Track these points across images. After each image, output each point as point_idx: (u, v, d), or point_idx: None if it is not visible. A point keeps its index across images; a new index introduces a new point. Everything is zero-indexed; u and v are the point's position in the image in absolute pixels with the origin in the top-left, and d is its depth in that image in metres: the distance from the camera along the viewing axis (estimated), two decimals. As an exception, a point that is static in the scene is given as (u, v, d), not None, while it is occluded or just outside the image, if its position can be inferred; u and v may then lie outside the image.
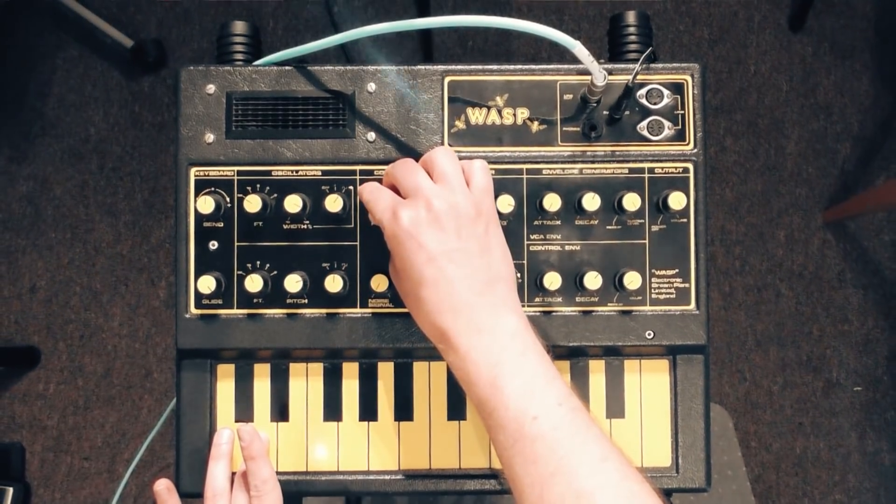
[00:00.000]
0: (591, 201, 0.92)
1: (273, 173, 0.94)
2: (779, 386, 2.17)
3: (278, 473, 0.94)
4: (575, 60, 0.86)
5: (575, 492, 0.71)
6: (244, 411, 0.97)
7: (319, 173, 0.94)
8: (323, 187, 0.94)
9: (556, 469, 0.73)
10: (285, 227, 0.94)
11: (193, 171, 0.94)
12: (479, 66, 0.95)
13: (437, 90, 0.95)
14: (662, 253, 0.95)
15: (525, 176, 0.94)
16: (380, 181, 0.93)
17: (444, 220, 0.81)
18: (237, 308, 0.94)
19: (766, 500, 2.13)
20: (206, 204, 0.91)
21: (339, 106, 0.95)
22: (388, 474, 0.97)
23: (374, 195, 0.87)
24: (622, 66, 0.95)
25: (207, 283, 0.91)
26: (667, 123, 0.95)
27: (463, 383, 0.82)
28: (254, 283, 0.91)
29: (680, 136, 0.95)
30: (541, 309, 0.94)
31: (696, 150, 0.95)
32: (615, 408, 0.98)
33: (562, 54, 0.86)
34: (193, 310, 0.94)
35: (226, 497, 0.91)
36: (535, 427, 0.75)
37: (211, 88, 0.95)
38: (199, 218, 0.94)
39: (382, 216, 0.84)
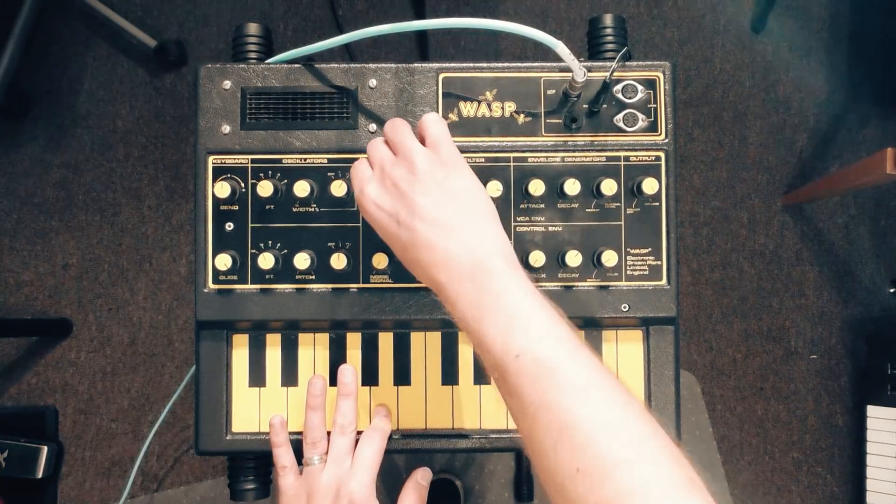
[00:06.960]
0: (572, 186, 0.92)
1: (283, 161, 0.94)
2: (742, 354, 2.17)
3: (289, 433, 0.95)
4: (557, 59, 0.85)
5: (559, 425, 0.65)
6: (257, 377, 0.97)
7: (326, 161, 0.94)
8: (329, 174, 0.94)
9: (541, 403, 0.67)
10: (294, 210, 0.94)
11: (211, 159, 0.94)
12: (471, 64, 0.95)
13: (433, 86, 0.95)
14: (637, 233, 0.95)
15: (512, 164, 0.94)
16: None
17: (402, 185, 0.78)
18: (251, 283, 0.94)
19: (731, 458, 2.14)
20: (223, 189, 0.91)
21: (344, 100, 0.95)
22: (388, 433, 0.97)
23: (352, 173, 0.84)
24: (600, 63, 0.95)
25: (224, 261, 0.91)
26: (640, 116, 0.95)
27: (464, 332, 0.76)
28: (266, 260, 0.92)
29: (652, 128, 0.95)
30: (526, 284, 0.94)
31: (667, 140, 0.95)
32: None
33: (545, 53, 0.85)
34: (211, 285, 0.94)
35: (324, 441, 0.93)
36: (517, 364, 0.69)
37: (227, 84, 0.94)
38: (217, 202, 0.94)
39: (355, 193, 0.83)
